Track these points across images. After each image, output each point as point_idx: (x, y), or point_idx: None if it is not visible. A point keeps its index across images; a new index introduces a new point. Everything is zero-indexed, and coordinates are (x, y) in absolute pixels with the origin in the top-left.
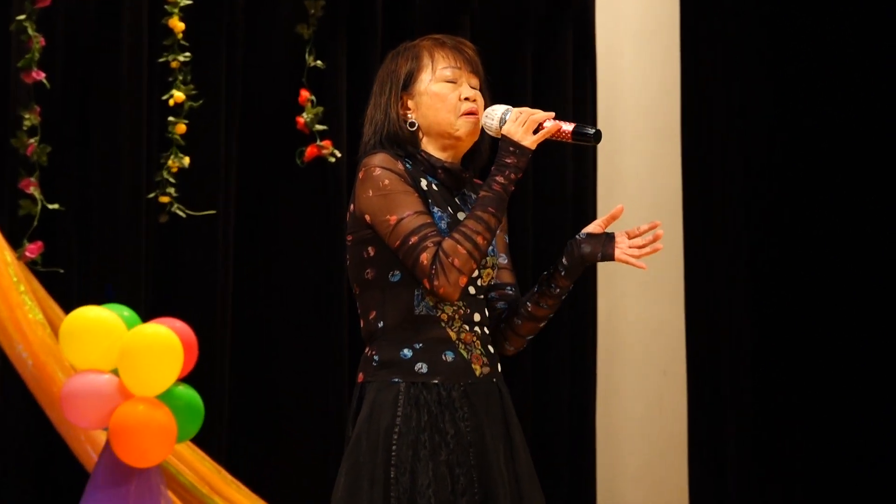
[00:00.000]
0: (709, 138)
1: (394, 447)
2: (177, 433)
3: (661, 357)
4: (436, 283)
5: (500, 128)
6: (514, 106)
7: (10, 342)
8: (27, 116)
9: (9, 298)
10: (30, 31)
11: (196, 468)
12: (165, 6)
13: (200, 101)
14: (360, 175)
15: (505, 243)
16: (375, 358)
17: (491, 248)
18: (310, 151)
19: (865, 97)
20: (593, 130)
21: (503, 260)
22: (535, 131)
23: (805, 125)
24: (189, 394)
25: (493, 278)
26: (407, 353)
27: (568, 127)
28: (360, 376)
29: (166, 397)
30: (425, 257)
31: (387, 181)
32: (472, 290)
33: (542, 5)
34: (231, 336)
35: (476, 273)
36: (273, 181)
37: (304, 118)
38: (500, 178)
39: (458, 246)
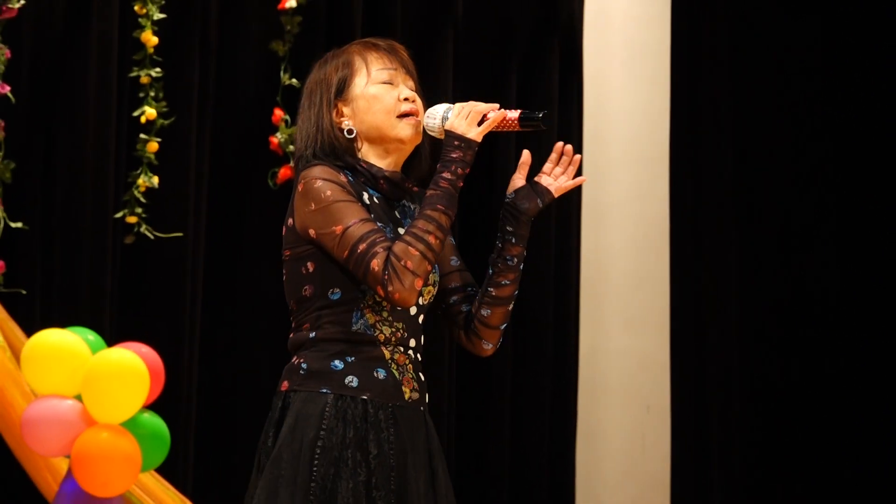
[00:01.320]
0: (698, 166)
1: (315, 461)
2: (141, 462)
3: (645, 392)
4: (390, 288)
5: (443, 126)
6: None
7: None
8: None
9: None
10: None
11: (160, 499)
12: (138, 19)
13: (172, 119)
14: (300, 188)
15: (452, 245)
16: (303, 366)
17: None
18: (283, 173)
19: (864, 121)
20: (541, 114)
21: (455, 262)
22: (480, 123)
23: (798, 153)
24: (154, 422)
25: (433, 296)
26: (338, 364)
27: (514, 114)
28: (285, 384)
29: (131, 425)
30: (376, 263)
31: (328, 192)
32: (412, 309)
33: (529, 23)
34: (198, 362)
35: None
36: (244, 203)
37: (277, 138)
38: (446, 175)
39: (410, 248)
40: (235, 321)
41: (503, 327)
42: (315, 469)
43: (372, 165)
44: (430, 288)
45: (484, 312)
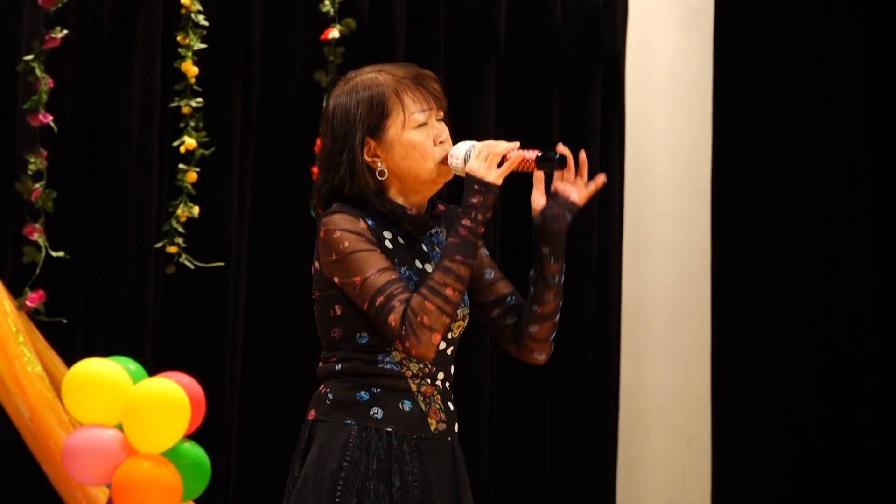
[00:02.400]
0: (739, 199)
1: (338, 493)
2: (182, 492)
3: (686, 425)
4: (407, 344)
5: (465, 167)
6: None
7: (7, 395)
8: (32, 160)
9: (7, 349)
10: (38, 73)
11: None
12: (179, 49)
13: (212, 149)
14: (321, 235)
15: (486, 256)
16: (329, 396)
17: (465, 293)
18: None
19: None
20: (557, 155)
21: (490, 274)
22: (500, 164)
23: (840, 186)
24: (195, 452)
25: (463, 328)
26: (363, 395)
27: (531, 155)
28: (311, 413)
29: (172, 455)
30: (393, 318)
31: (347, 243)
32: (441, 344)
33: (571, 52)
34: (240, 392)
35: None
36: (286, 232)
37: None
38: (466, 222)
39: (426, 302)
40: (276, 351)
41: (553, 337)
42: (338, 500)
43: (397, 207)
44: (461, 322)
45: (532, 329)
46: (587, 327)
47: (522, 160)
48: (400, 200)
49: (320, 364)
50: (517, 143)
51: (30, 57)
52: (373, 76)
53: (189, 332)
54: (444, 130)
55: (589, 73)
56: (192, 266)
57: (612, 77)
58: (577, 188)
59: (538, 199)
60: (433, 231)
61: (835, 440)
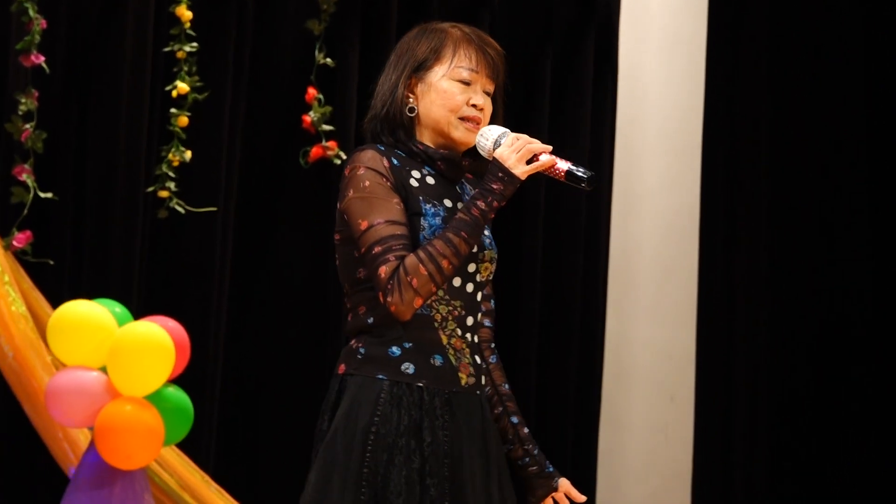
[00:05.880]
0: (730, 157)
1: (369, 447)
2: (164, 436)
3: (669, 382)
4: (389, 298)
5: (493, 150)
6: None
7: None
8: (23, 101)
9: None
10: (31, 13)
11: (180, 474)
12: None
13: (205, 94)
14: (346, 171)
15: None
16: (361, 351)
17: (489, 239)
18: (314, 152)
19: None
20: (588, 175)
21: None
22: (529, 161)
23: (834, 146)
24: (179, 396)
25: (491, 273)
26: (395, 350)
27: (563, 165)
28: (342, 367)
29: (155, 398)
30: (384, 270)
31: (367, 183)
32: (469, 287)
33: (565, 10)
34: (225, 338)
35: (474, 268)
36: (275, 180)
37: (310, 117)
38: (481, 203)
39: (421, 266)
40: (263, 298)
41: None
42: (368, 455)
43: (428, 147)
44: (488, 265)
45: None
46: (574, 282)
47: (553, 166)
48: (428, 143)
49: (349, 318)
50: (550, 147)
51: None
52: (444, 26)
53: (176, 277)
54: (484, 102)
55: (582, 29)
56: (183, 211)
57: (605, 32)
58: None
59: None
60: (463, 181)
61: (819, 400)
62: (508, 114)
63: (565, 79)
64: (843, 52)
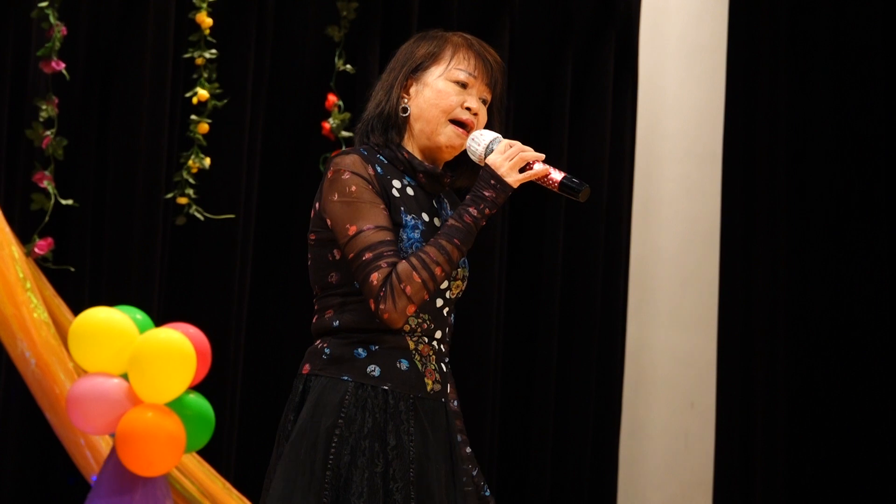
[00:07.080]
0: (750, 163)
1: (332, 449)
2: (185, 443)
3: (690, 389)
4: (382, 306)
5: (485, 156)
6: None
7: (13, 341)
8: (44, 107)
9: (14, 296)
10: (51, 19)
11: (201, 481)
12: (194, 0)
13: (225, 101)
14: (329, 175)
15: None
16: (326, 351)
17: (463, 258)
18: None
19: None
20: (582, 187)
21: None
22: (523, 170)
23: (854, 153)
24: (200, 403)
25: (461, 291)
26: (361, 352)
27: (557, 175)
28: (306, 367)
29: (176, 405)
30: (376, 277)
31: (353, 188)
32: (439, 302)
33: (586, 14)
34: (245, 345)
35: (445, 285)
36: (295, 187)
37: (330, 123)
38: (473, 210)
39: (414, 273)
40: (283, 305)
41: None
42: (332, 457)
43: (413, 157)
44: (460, 283)
45: None
46: (594, 289)
47: (547, 176)
48: (415, 153)
49: (315, 319)
50: (543, 155)
51: (44, 3)
52: (446, 33)
53: (196, 284)
54: (479, 107)
55: (603, 34)
56: (202, 217)
57: (625, 38)
58: None
59: None
60: (442, 195)
61: (840, 405)
62: (528, 115)
63: (585, 82)
64: (863, 57)
